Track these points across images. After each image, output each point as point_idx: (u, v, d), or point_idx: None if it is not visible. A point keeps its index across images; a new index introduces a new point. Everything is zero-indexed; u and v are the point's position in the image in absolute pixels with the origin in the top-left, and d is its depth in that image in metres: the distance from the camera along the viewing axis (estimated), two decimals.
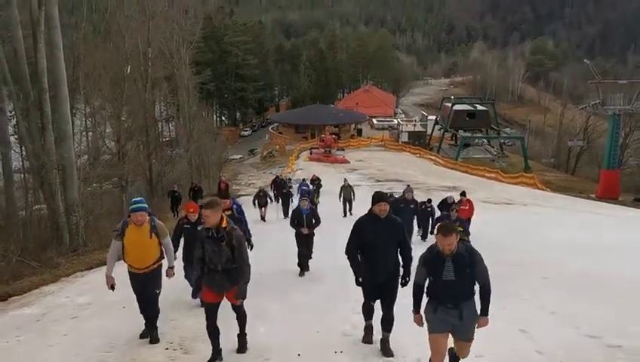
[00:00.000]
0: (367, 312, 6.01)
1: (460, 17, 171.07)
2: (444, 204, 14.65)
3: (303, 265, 10.23)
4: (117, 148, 25.32)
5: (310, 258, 10.36)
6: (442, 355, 4.76)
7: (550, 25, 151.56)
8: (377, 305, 5.90)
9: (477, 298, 4.72)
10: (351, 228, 5.88)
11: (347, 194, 20.44)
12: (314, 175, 28.14)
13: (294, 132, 67.66)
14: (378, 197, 5.77)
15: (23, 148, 25.35)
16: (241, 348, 5.77)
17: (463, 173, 44.56)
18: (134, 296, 6.30)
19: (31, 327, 6.62)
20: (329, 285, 8.93)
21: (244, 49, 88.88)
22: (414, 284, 4.80)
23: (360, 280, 5.83)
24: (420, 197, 16.67)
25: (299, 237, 10.23)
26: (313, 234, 10.41)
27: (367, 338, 6.04)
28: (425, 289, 4.74)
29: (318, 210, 12.78)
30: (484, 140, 59.47)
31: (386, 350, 5.78)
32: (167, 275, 6.32)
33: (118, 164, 24.78)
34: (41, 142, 17.21)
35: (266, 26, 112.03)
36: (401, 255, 5.81)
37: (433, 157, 53.22)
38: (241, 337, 5.80)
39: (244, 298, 5.43)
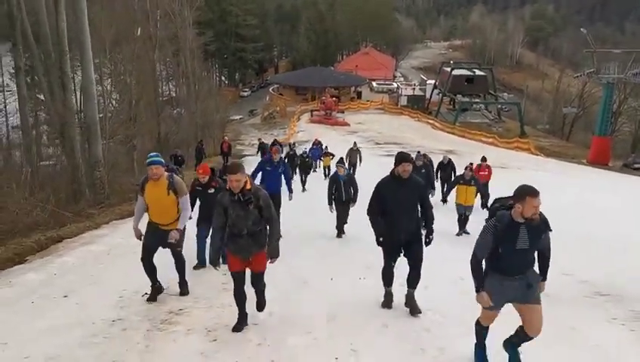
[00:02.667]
0: (388, 278, 5.93)
1: None
2: (441, 165, 15.03)
3: (340, 229, 10.29)
4: (129, 108, 25.98)
5: (346, 222, 10.28)
6: (493, 320, 4.60)
7: None
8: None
9: None
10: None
11: (354, 157, 20.51)
12: (316, 139, 28.92)
13: (295, 94, 68.11)
14: (401, 158, 5.65)
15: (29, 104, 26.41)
16: (259, 305, 5.49)
17: (460, 137, 45.64)
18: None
19: (104, 259, 7.84)
20: (347, 236, 10.16)
21: (244, 9, 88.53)
22: (474, 258, 4.41)
23: (381, 239, 5.78)
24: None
25: (338, 206, 10.13)
26: (353, 204, 10.16)
27: (387, 304, 5.98)
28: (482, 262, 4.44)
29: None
30: (482, 105, 60.37)
31: (412, 307, 5.80)
32: (170, 236, 5.98)
33: (129, 123, 25.56)
34: (63, 100, 18.24)
35: None
36: (423, 215, 5.79)
37: (431, 121, 54.11)
38: (260, 298, 5.50)
39: (277, 256, 5.19)
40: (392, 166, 5.79)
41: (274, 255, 5.16)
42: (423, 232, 5.81)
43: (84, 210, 14.60)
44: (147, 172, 5.91)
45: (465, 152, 30.93)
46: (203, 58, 50.69)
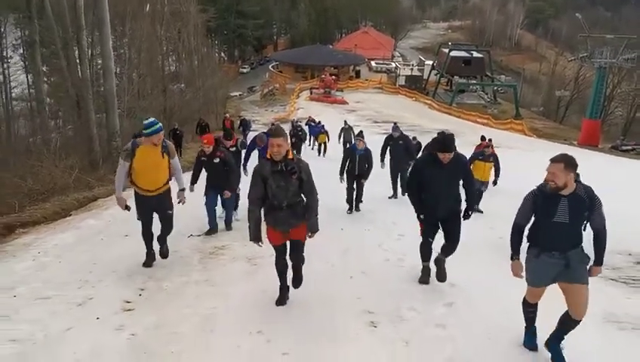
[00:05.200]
0: (425, 253, 5.94)
1: None
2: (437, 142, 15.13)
3: (352, 204, 10.09)
4: (137, 84, 26.68)
5: (361, 201, 10.20)
6: (539, 298, 4.49)
7: None
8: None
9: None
10: None
11: (347, 136, 20.58)
12: (310, 116, 29.78)
13: (294, 71, 68.61)
14: (441, 147, 5.44)
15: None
16: (296, 281, 5.37)
17: (456, 117, 46.84)
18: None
19: None
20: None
21: None
22: (514, 225, 4.37)
23: (422, 216, 5.76)
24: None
25: (350, 179, 9.92)
26: (364, 180, 10.00)
27: (424, 278, 6.01)
28: (524, 232, 4.38)
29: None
30: (479, 87, 61.42)
31: (439, 272, 5.88)
32: (178, 200, 6.29)
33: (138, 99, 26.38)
34: (79, 73, 19.31)
35: None
36: (464, 189, 5.76)
37: (428, 102, 55.16)
38: (297, 274, 5.36)
39: (316, 230, 5.09)
40: None
41: (314, 230, 5.07)
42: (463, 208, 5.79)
43: (105, 176, 15.82)
44: (143, 138, 5.81)
45: (459, 132, 31.98)
46: (205, 34, 51.35)
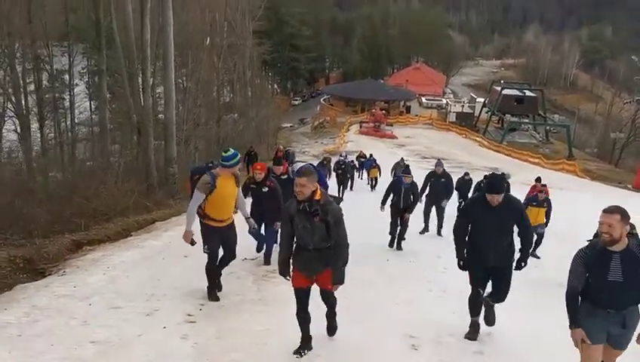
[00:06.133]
0: (475, 307, 5.56)
1: None
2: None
3: (394, 238, 10.09)
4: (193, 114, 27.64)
5: (404, 238, 10.14)
6: None
7: (611, 11, 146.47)
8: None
9: None
10: None
11: (399, 171, 21.16)
12: (361, 151, 30.30)
13: (345, 105, 69.80)
14: (490, 188, 5.21)
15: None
16: (330, 329, 5.26)
17: (507, 156, 46.51)
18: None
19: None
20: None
21: (300, 20, 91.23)
22: (569, 289, 4.03)
23: (461, 263, 5.49)
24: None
25: (394, 212, 9.93)
26: (409, 213, 9.96)
27: (473, 335, 5.61)
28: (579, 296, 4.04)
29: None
30: (530, 126, 60.79)
31: (489, 315, 5.71)
32: (250, 226, 6.56)
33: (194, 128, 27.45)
34: (141, 102, 20.38)
35: None
36: (520, 237, 5.42)
37: (479, 139, 55.02)
38: (331, 318, 5.21)
39: (341, 283, 4.68)
40: None
41: (337, 281, 4.67)
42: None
43: (162, 201, 16.63)
44: (218, 168, 5.93)
45: (508, 171, 31.83)
46: (259, 67, 53.03)
